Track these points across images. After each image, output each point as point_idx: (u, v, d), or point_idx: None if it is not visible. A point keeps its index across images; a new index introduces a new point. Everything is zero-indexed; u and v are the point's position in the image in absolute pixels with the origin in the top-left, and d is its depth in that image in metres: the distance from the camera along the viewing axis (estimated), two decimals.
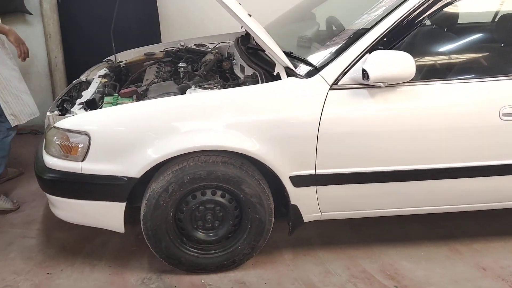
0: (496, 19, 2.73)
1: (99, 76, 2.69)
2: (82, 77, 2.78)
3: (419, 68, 2.18)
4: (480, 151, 2.13)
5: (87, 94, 2.41)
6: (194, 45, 3.08)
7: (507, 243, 2.47)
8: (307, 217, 2.22)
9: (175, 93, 2.21)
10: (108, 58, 2.99)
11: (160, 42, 3.70)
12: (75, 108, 2.20)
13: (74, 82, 2.74)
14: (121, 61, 2.95)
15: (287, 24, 2.97)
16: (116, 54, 2.98)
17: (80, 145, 1.99)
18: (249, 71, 2.37)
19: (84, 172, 2.01)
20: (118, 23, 3.68)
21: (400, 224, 2.57)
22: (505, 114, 2.08)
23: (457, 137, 2.10)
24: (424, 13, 2.08)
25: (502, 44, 2.43)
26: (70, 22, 3.76)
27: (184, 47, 3.05)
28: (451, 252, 2.40)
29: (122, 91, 2.31)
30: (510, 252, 2.40)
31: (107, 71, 2.79)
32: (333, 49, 2.15)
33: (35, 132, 3.87)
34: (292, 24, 2.97)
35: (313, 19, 2.92)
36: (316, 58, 2.17)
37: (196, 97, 2.09)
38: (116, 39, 3.49)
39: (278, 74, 2.14)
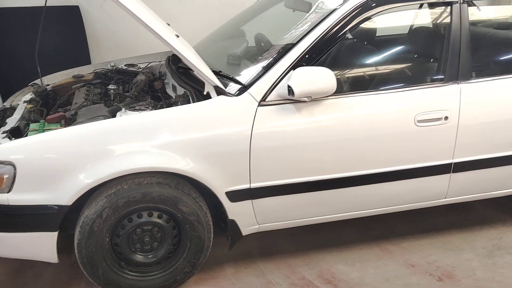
0: (409, 31, 2.96)
1: (24, 102, 2.60)
2: (6, 103, 2.67)
3: (341, 81, 2.32)
4: (400, 156, 2.29)
5: (11, 121, 2.32)
6: (125, 65, 3.04)
7: (433, 240, 2.65)
8: (245, 230, 2.27)
9: (105, 116, 2.18)
10: (33, 82, 2.89)
11: (90, 63, 3.62)
12: None
13: None
14: (48, 85, 2.86)
15: (217, 41, 3.03)
16: (43, 78, 2.90)
17: (5, 176, 1.92)
18: (180, 90, 2.40)
19: (11, 203, 1.94)
20: (44, 45, 3.57)
21: (334, 229, 2.69)
22: (419, 121, 2.26)
23: (379, 144, 2.25)
24: (342, 30, 2.22)
25: (416, 55, 2.63)
26: None
27: (114, 68, 3.00)
28: (382, 252, 2.54)
29: (48, 116, 2.25)
30: (436, 248, 2.58)
31: (32, 96, 2.69)
32: (259, 67, 2.23)
33: None
34: (222, 41, 3.04)
35: (243, 36, 3.00)
36: (244, 76, 2.24)
37: (127, 119, 2.08)
38: (43, 61, 3.37)
39: (208, 93, 2.18)
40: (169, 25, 2.74)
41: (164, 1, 3.86)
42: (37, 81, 2.88)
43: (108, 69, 2.99)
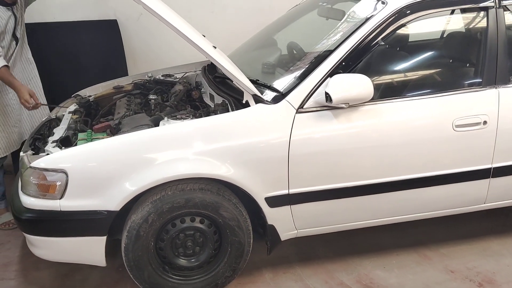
0: (444, 36, 2.96)
1: (69, 112, 2.71)
2: (52, 114, 2.79)
3: (377, 87, 2.34)
4: (438, 161, 2.29)
5: (59, 131, 2.44)
6: (162, 76, 3.13)
7: (472, 246, 2.63)
8: (284, 235, 2.31)
9: (148, 125, 2.27)
10: (76, 93, 3.01)
11: (127, 75, 3.74)
12: (49, 147, 2.22)
13: (44, 119, 2.74)
14: (90, 96, 2.98)
15: (251, 51, 3.10)
16: (85, 89, 3.02)
17: (58, 183, 2.01)
18: (218, 99, 2.46)
19: (63, 209, 2.03)
20: (85, 57, 3.71)
21: (371, 235, 2.70)
22: (457, 126, 2.26)
23: (416, 150, 2.26)
24: (378, 37, 2.24)
25: (451, 60, 2.63)
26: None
27: (152, 78, 3.09)
28: (420, 258, 2.54)
29: (95, 126, 2.35)
30: (475, 254, 2.56)
31: (76, 106, 2.81)
32: (296, 75, 2.28)
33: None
34: (255, 51, 3.10)
35: (275, 45, 3.05)
36: (281, 84, 2.29)
37: (170, 128, 2.16)
38: (84, 73, 3.51)
39: (247, 101, 2.24)
40: (204, 36, 2.83)
41: (197, 13, 3.95)
42: (80, 92, 3.00)
43: (146, 79, 3.08)
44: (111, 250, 2.25)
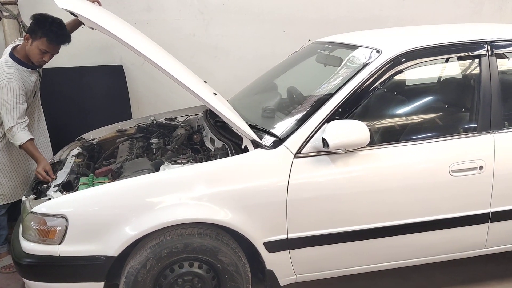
0: (439, 83, 3.03)
1: (73, 156, 2.76)
2: (55, 157, 2.84)
3: (375, 132, 2.38)
4: (436, 206, 2.30)
5: (61, 175, 2.47)
6: (165, 119, 3.19)
7: None
8: (283, 280, 2.30)
9: (149, 170, 2.31)
10: (80, 136, 3.07)
11: (131, 118, 3.82)
12: (51, 191, 2.26)
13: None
14: (94, 139, 3.04)
15: (252, 94, 3.17)
16: (89, 132, 3.08)
17: (58, 228, 2.03)
18: (219, 143, 2.51)
19: (62, 255, 2.04)
20: (91, 101, 3.80)
21: (372, 279, 2.66)
22: (454, 171, 2.28)
23: (414, 195, 2.27)
24: (374, 84, 2.29)
25: (446, 106, 2.68)
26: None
27: (155, 122, 3.14)
28: None
29: (97, 171, 2.39)
30: None
31: (80, 150, 2.86)
32: (294, 120, 2.32)
33: None
34: (256, 94, 3.17)
35: (275, 89, 3.13)
36: (280, 129, 2.34)
37: (170, 173, 2.19)
38: (89, 116, 3.57)
39: (246, 146, 2.28)
40: (206, 82, 2.91)
41: (200, 58, 4.08)
42: (84, 136, 3.06)
43: (149, 123, 3.14)
44: None
